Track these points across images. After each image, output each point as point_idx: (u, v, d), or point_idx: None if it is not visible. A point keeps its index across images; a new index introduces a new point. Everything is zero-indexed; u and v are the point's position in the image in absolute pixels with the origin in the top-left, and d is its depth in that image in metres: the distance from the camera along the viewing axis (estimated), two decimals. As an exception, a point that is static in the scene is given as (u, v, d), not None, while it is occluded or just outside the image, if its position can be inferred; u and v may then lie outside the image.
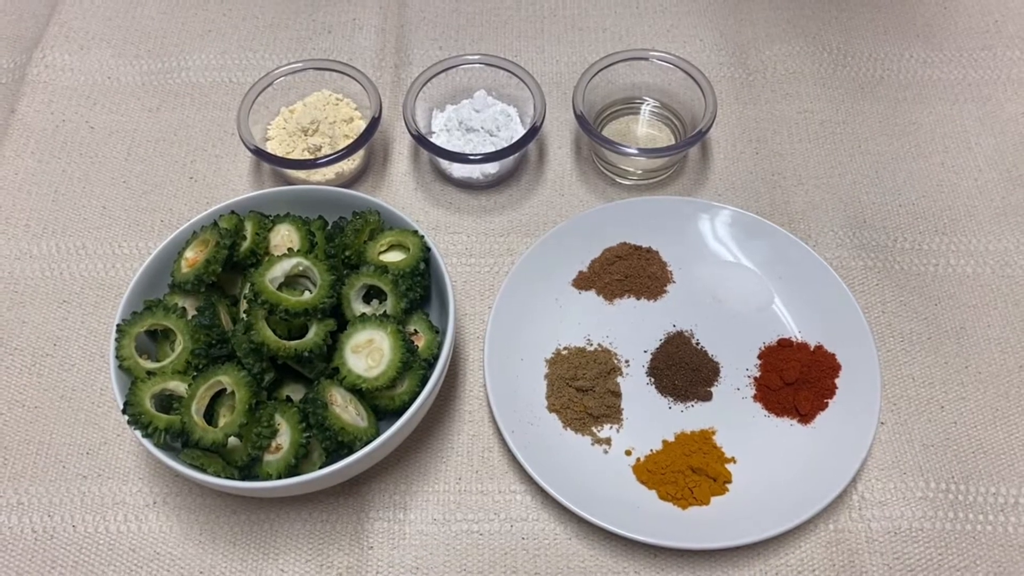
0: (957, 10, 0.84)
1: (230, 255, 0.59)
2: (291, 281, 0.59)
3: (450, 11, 0.85)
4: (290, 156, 0.72)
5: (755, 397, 0.63)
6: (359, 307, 0.60)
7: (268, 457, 0.54)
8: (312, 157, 0.71)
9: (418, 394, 0.56)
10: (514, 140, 0.71)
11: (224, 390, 0.56)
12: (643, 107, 0.76)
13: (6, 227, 0.72)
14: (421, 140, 0.70)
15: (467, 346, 0.67)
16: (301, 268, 0.59)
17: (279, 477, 0.54)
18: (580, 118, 0.70)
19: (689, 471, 0.59)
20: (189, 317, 0.58)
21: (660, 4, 0.85)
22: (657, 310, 0.67)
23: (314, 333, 0.57)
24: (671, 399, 0.63)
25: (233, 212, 0.63)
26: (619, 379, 0.64)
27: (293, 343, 0.56)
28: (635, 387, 0.64)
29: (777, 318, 0.66)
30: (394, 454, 0.61)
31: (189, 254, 0.60)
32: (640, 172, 0.73)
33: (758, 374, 0.64)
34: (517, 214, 0.73)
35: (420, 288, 0.61)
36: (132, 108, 0.79)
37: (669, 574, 0.57)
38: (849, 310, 0.64)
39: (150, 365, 0.57)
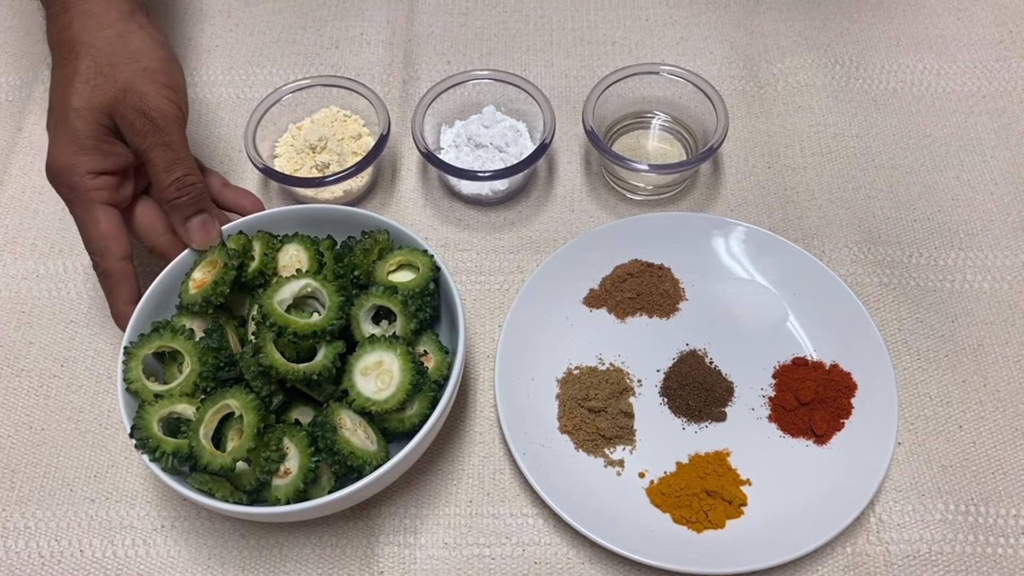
0: (971, 21, 0.83)
1: (238, 276, 0.59)
2: (300, 302, 0.59)
3: (458, 25, 0.84)
4: (298, 173, 0.72)
5: (770, 417, 0.62)
6: (368, 328, 0.59)
7: (277, 482, 0.54)
8: (320, 175, 0.71)
9: (428, 416, 0.55)
10: (524, 156, 0.70)
11: (232, 413, 0.55)
12: (654, 121, 0.75)
13: (13, 246, 0.72)
14: (430, 157, 0.69)
15: (477, 366, 0.66)
16: (310, 289, 0.58)
17: (288, 502, 0.53)
18: (590, 133, 0.69)
19: (704, 494, 0.58)
20: (197, 339, 0.57)
21: (670, 17, 0.84)
22: (670, 328, 0.66)
23: (323, 355, 0.56)
24: (685, 420, 0.62)
25: (241, 232, 0.62)
26: (632, 399, 0.63)
27: (302, 366, 0.55)
28: (648, 407, 0.63)
29: (792, 336, 0.65)
30: (404, 477, 0.61)
31: (197, 275, 0.60)
32: (651, 187, 0.72)
33: (773, 394, 0.63)
34: (527, 231, 0.72)
35: (430, 308, 0.60)
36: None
37: (684, 599, 0.56)
38: (865, 328, 0.63)
39: (158, 388, 0.57)
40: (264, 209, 0.66)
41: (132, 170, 0.62)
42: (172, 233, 0.62)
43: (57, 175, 0.59)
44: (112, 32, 0.61)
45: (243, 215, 0.65)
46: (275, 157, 0.73)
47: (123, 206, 0.61)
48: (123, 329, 0.60)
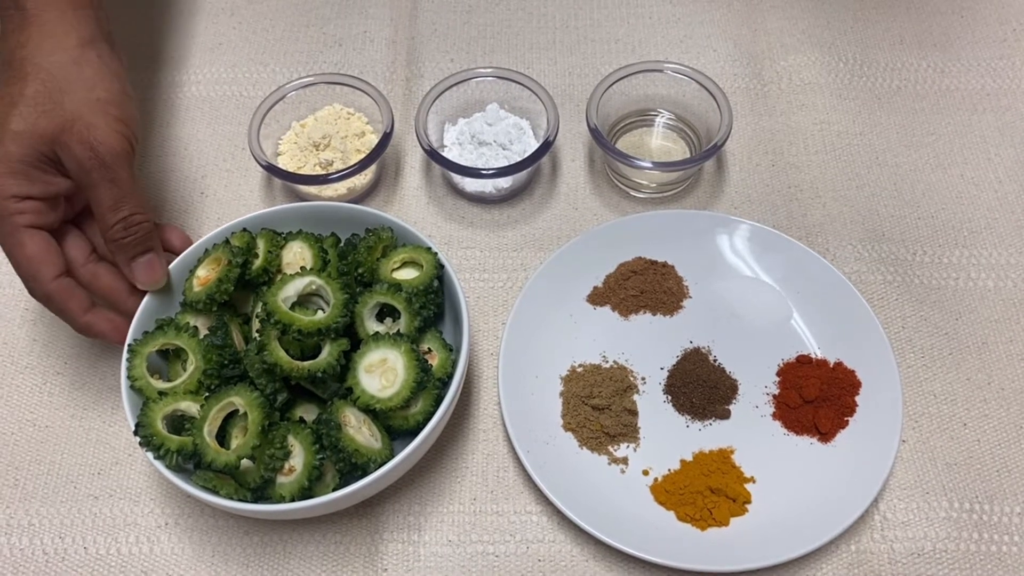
0: (975, 19, 0.83)
1: (242, 274, 0.59)
2: (304, 300, 0.59)
3: (461, 23, 0.84)
4: (302, 171, 0.71)
5: (774, 415, 0.62)
6: (372, 326, 0.59)
7: (281, 479, 0.54)
8: (324, 172, 0.71)
9: (432, 414, 0.55)
10: (527, 153, 0.70)
11: (236, 411, 0.55)
12: (657, 119, 0.75)
13: (17, 244, 0.72)
14: (433, 154, 0.69)
15: (480, 363, 0.66)
16: (314, 287, 0.58)
17: (292, 499, 0.53)
18: (594, 131, 0.69)
19: (708, 491, 0.58)
20: (201, 336, 0.57)
21: (673, 15, 0.84)
22: (673, 326, 0.66)
23: (327, 353, 0.56)
24: (689, 417, 0.62)
25: (245, 230, 0.62)
26: (635, 397, 0.63)
27: (306, 363, 0.55)
28: (652, 405, 0.63)
29: (796, 334, 0.65)
30: (408, 474, 0.61)
31: (201, 272, 0.60)
32: (655, 185, 0.72)
33: (777, 391, 0.63)
34: (530, 228, 0.72)
35: (434, 306, 0.60)
36: (142, 123, 0.78)
37: (688, 597, 0.56)
38: (869, 325, 0.63)
39: (162, 385, 0.57)
40: (191, 241, 0.64)
41: (62, 198, 0.59)
42: (92, 263, 0.60)
43: None
44: (67, 57, 0.58)
45: (175, 253, 0.62)
46: (279, 155, 0.73)
47: (51, 229, 0.58)
48: (94, 338, 0.58)
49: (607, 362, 0.65)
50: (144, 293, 0.60)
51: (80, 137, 0.56)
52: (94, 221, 0.59)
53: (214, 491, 0.53)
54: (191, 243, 0.63)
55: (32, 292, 0.58)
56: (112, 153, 0.56)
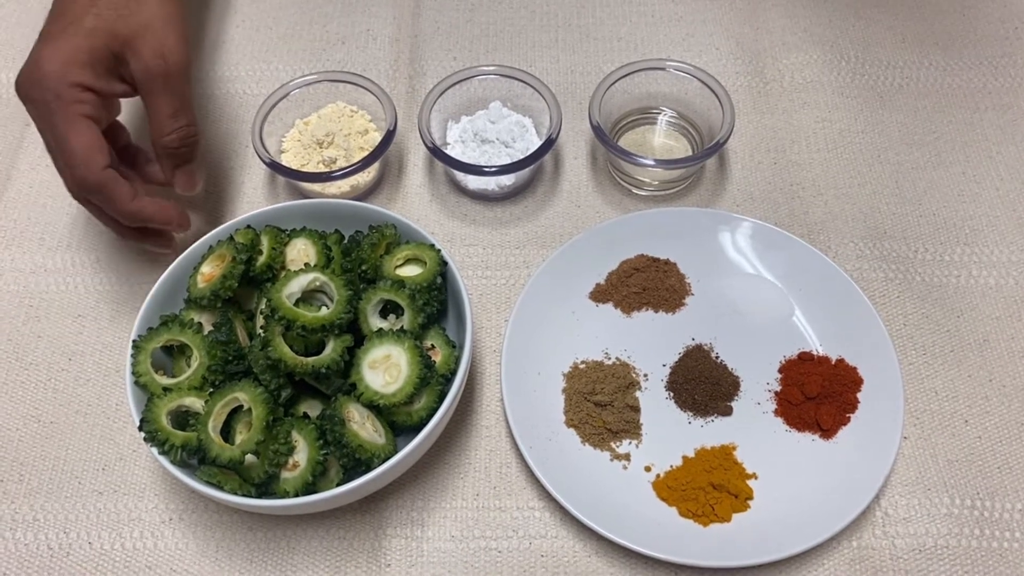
0: (976, 17, 0.83)
1: (246, 270, 0.59)
2: (308, 296, 0.59)
3: (464, 21, 0.84)
4: (305, 168, 0.72)
5: (776, 412, 0.62)
6: (376, 322, 0.59)
7: (285, 474, 0.54)
8: (327, 170, 0.71)
9: (436, 410, 0.55)
10: (530, 151, 0.70)
11: (241, 406, 0.55)
12: (660, 117, 0.76)
13: (21, 241, 0.72)
14: (436, 152, 0.69)
15: (483, 360, 0.66)
16: (318, 283, 0.58)
17: (296, 495, 0.53)
18: (596, 129, 0.69)
19: (710, 487, 0.58)
20: (205, 332, 0.58)
21: (675, 13, 0.84)
22: (676, 323, 0.66)
23: (331, 349, 0.56)
24: (691, 414, 0.62)
25: (249, 226, 0.62)
26: (638, 393, 0.63)
27: (310, 359, 0.56)
28: (654, 402, 0.63)
29: (798, 331, 0.65)
30: (411, 470, 0.61)
31: (205, 269, 0.60)
32: (657, 183, 0.73)
33: (779, 388, 0.63)
34: (533, 226, 0.72)
35: (437, 303, 0.60)
36: (146, 120, 0.78)
37: (690, 592, 0.57)
38: (870, 323, 0.63)
39: (166, 381, 0.57)
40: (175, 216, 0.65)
41: (118, 102, 0.62)
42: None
43: (40, 81, 0.57)
44: None
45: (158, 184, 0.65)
46: (282, 152, 0.74)
47: (102, 128, 0.61)
48: (147, 221, 0.61)
49: (609, 359, 0.65)
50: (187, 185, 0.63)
51: (152, 45, 0.59)
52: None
53: (218, 486, 0.53)
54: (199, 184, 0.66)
55: (83, 180, 0.58)
56: (179, 64, 0.60)
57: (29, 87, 0.58)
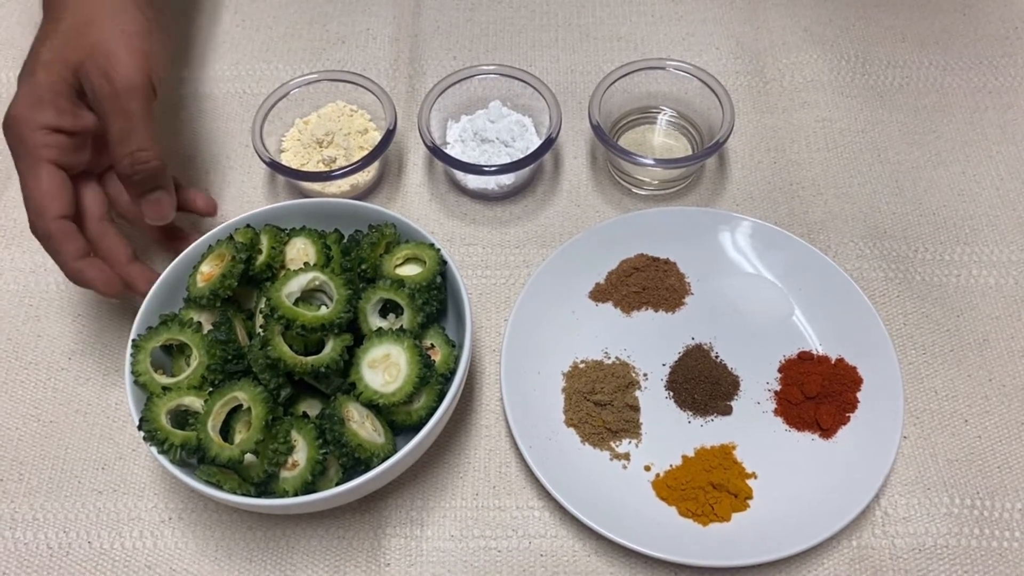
0: (976, 17, 0.83)
1: (246, 269, 0.59)
2: (307, 295, 0.59)
3: (464, 21, 0.84)
4: (305, 168, 0.72)
5: (776, 411, 0.62)
6: (376, 321, 0.59)
7: (285, 474, 0.54)
8: (327, 169, 0.71)
9: (435, 409, 0.55)
10: (529, 151, 0.70)
11: (240, 406, 0.55)
12: (660, 117, 0.75)
13: (21, 240, 0.72)
14: (436, 151, 0.69)
15: (483, 359, 0.66)
16: (318, 283, 0.58)
17: (296, 494, 0.53)
18: (596, 128, 0.69)
19: (710, 487, 0.58)
20: (205, 332, 0.58)
21: (675, 12, 0.84)
22: (675, 323, 0.66)
23: (331, 348, 0.56)
24: (690, 413, 0.62)
25: (248, 226, 0.62)
26: (637, 393, 0.63)
27: (310, 359, 0.56)
28: (654, 401, 0.63)
29: (797, 331, 0.65)
30: (411, 469, 0.61)
31: (204, 268, 0.60)
32: (657, 182, 0.73)
33: (779, 388, 0.63)
34: (533, 225, 0.72)
35: (437, 302, 0.60)
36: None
37: (690, 592, 0.57)
38: (870, 322, 0.63)
39: (166, 380, 0.57)
40: (216, 208, 0.66)
41: (90, 138, 0.59)
42: (105, 221, 0.61)
43: (10, 126, 0.57)
44: None
45: (199, 215, 0.65)
46: (282, 151, 0.74)
47: (74, 171, 0.59)
48: (84, 285, 0.58)
49: (609, 358, 0.65)
50: (146, 282, 0.60)
51: (98, 65, 0.56)
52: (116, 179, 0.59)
53: (218, 486, 0.53)
54: (215, 206, 0.65)
55: (33, 228, 0.58)
56: (127, 83, 0.56)
57: (4, 130, 0.58)
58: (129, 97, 0.56)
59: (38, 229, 0.57)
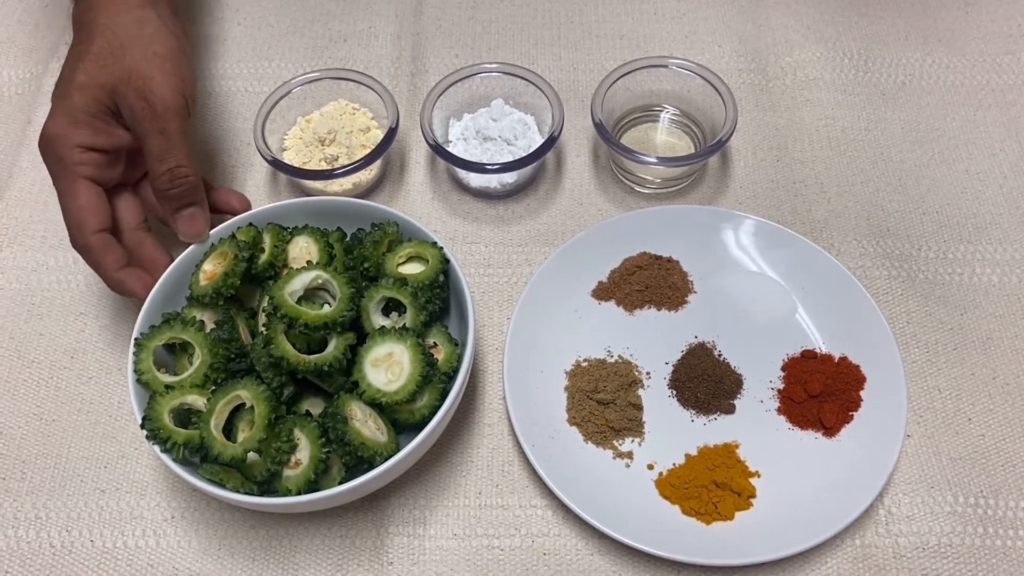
0: (979, 14, 0.83)
1: (248, 268, 0.59)
2: (310, 294, 0.59)
3: (466, 19, 0.84)
4: (307, 166, 0.72)
5: (779, 410, 0.62)
6: (378, 320, 0.59)
7: (287, 472, 0.54)
8: (329, 167, 0.71)
9: (438, 408, 0.55)
10: (532, 149, 0.70)
11: (243, 404, 0.55)
12: (662, 115, 0.75)
13: (23, 238, 0.72)
14: (438, 150, 0.69)
15: (486, 358, 0.66)
16: (320, 281, 0.58)
17: (299, 493, 0.53)
18: (599, 126, 0.69)
19: (713, 485, 0.58)
20: (208, 330, 0.58)
21: (678, 10, 0.84)
22: (678, 321, 0.66)
23: (334, 347, 0.56)
24: (693, 412, 0.62)
25: (251, 224, 0.62)
26: (640, 391, 0.63)
27: (313, 357, 0.55)
28: (657, 400, 0.63)
29: (800, 329, 0.65)
30: (413, 468, 0.61)
31: (207, 267, 0.60)
32: (659, 181, 0.72)
33: (782, 386, 0.63)
34: (535, 223, 0.72)
35: (439, 300, 0.60)
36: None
37: (693, 590, 0.57)
38: (874, 321, 0.63)
39: (168, 379, 0.57)
40: (250, 205, 0.67)
41: (124, 154, 0.62)
42: (141, 230, 0.63)
43: (47, 145, 0.59)
44: (131, 17, 0.62)
45: (233, 214, 0.65)
46: (284, 150, 0.74)
47: (109, 185, 0.62)
48: (126, 295, 0.60)
49: (612, 357, 0.65)
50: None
51: (136, 87, 0.59)
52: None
53: (220, 484, 0.53)
54: (249, 205, 0.67)
55: (74, 241, 0.60)
56: (164, 104, 0.59)
57: (41, 149, 0.60)
58: (168, 118, 0.59)
59: (78, 243, 0.60)
